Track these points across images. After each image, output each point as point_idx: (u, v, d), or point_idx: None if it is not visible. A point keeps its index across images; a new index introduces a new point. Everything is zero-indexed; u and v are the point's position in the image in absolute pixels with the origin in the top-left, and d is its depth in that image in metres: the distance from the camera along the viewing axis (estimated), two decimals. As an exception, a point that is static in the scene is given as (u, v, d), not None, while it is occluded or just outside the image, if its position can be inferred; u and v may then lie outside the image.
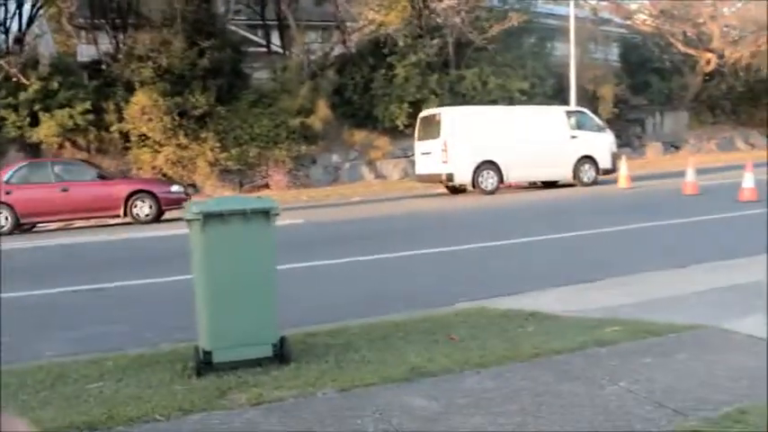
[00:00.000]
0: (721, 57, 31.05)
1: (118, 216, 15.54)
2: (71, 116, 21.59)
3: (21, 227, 15.22)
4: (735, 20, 32.77)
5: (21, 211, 14.95)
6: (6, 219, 14.92)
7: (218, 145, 22.68)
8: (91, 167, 17.13)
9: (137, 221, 15.26)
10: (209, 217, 4.13)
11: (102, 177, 16.11)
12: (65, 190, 15.25)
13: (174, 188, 16.24)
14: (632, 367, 4.25)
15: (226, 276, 4.21)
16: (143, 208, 15.42)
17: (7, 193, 14.90)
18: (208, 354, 4.17)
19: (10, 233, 14.69)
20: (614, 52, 34.27)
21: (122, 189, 15.68)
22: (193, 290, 4.39)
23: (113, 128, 22.44)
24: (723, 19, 32.36)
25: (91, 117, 21.98)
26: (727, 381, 4.00)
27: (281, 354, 4.32)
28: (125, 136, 22.65)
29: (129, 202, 15.44)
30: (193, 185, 21.49)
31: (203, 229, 4.13)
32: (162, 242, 11.87)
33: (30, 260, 10.90)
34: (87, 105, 21.83)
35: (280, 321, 4.40)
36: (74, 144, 22.22)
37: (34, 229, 15.85)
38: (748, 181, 13.19)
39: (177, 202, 15.06)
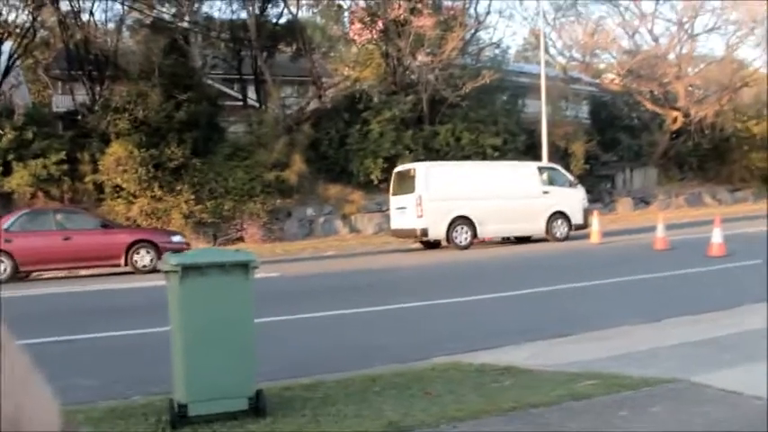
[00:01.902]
0: (687, 115, 31.95)
1: (118, 265, 15.37)
2: (45, 166, 21.48)
3: (18, 275, 14.99)
4: (699, 80, 33.85)
5: (20, 259, 14.73)
6: (5, 268, 14.69)
7: (192, 197, 22.64)
8: (93, 216, 17.02)
9: (137, 271, 15.08)
10: (187, 269, 4.14)
11: (104, 226, 16.02)
12: (67, 238, 15.09)
13: (176, 238, 16.14)
14: (608, 421, 4.27)
15: (203, 329, 4.19)
16: (144, 257, 15.26)
17: (7, 241, 14.69)
18: (183, 407, 4.12)
19: (7, 281, 14.45)
20: (584, 110, 35.12)
21: (124, 238, 15.56)
22: (170, 341, 4.35)
23: (87, 178, 22.33)
24: (688, 79, 33.42)
25: (65, 167, 21.88)
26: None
27: (258, 407, 4.28)
28: (99, 187, 22.54)
29: (131, 252, 15.31)
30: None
31: (182, 281, 4.13)
32: (153, 292, 11.75)
33: (11, 310, 10.67)
34: (62, 156, 21.75)
35: (256, 375, 4.37)
36: (47, 194, 22.03)
37: (28, 278, 15.59)
38: (717, 236, 13.46)
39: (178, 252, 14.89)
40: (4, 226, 15.13)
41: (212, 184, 23.20)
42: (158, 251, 14.96)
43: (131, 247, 15.33)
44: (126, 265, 15.31)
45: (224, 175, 23.32)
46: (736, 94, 34.01)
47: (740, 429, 4.12)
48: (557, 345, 6.43)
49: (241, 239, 22.82)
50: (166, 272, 4.25)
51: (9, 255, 14.69)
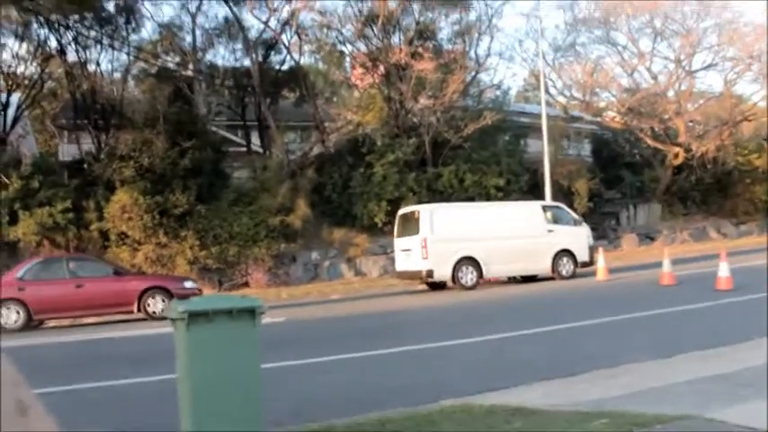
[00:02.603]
0: (688, 150, 32.07)
1: (131, 312, 15.36)
2: (51, 214, 21.60)
3: (31, 323, 15.00)
4: (698, 115, 34.06)
5: (34, 307, 14.80)
6: (18, 314, 14.74)
7: (197, 243, 22.68)
8: (105, 264, 17.10)
9: (150, 318, 15.04)
10: (194, 316, 4.13)
11: (117, 273, 16.06)
12: (79, 286, 15.14)
13: (188, 284, 16.14)
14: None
15: (210, 375, 4.17)
16: (156, 304, 15.24)
17: (20, 290, 14.79)
18: (191, 455, 4.08)
19: (21, 330, 14.48)
20: (586, 148, 35.31)
21: (137, 285, 15.58)
22: (177, 389, 4.33)
23: (93, 226, 22.42)
24: (687, 115, 33.63)
25: (71, 216, 21.99)
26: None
27: (266, 454, 4.23)
28: (104, 234, 22.61)
29: (143, 299, 15.31)
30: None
31: (189, 328, 4.12)
32: (164, 338, 11.72)
33: (24, 360, 10.62)
34: (67, 204, 21.89)
35: (264, 420, 4.33)
36: (52, 242, 22.11)
37: (41, 326, 15.61)
38: (723, 270, 13.40)
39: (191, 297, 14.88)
40: (18, 275, 15.24)
41: (217, 229, 23.26)
42: (171, 297, 14.94)
43: (144, 294, 15.35)
44: (139, 311, 15.30)
45: (229, 221, 23.39)
46: (736, 129, 34.19)
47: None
48: (567, 384, 6.37)
49: (246, 284, 22.79)
50: (173, 319, 4.25)
51: (23, 303, 14.76)
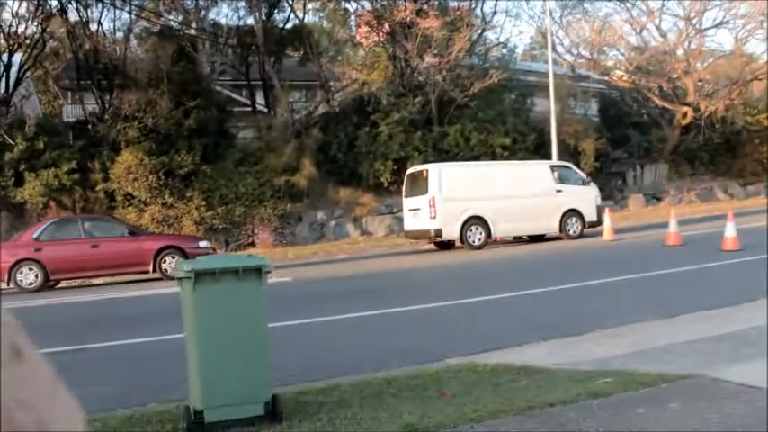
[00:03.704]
0: (697, 110, 31.76)
1: (147, 272, 15.44)
2: (56, 176, 21.62)
3: (48, 283, 15.13)
4: (708, 75, 33.66)
5: (51, 267, 14.90)
6: (36, 275, 14.87)
7: (203, 204, 22.72)
8: (120, 224, 17.19)
9: (165, 277, 15.11)
10: (201, 275, 4.14)
11: (132, 233, 16.11)
12: (95, 246, 15.22)
13: (203, 244, 16.20)
14: (626, 418, 4.25)
15: (217, 335, 4.20)
16: (172, 263, 15.27)
17: (37, 250, 14.87)
18: (199, 413, 4.13)
19: (38, 290, 14.61)
20: (593, 107, 35.00)
21: (152, 245, 15.66)
22: (185, 348, 4.36)
23: (99, 187, 22.45)
24: (697, 74, 33.22)
25: (76, 177, 22.01)
26: (721, 429, 4.01)
27: (274, 412, 4.28)
28: (110, 195, 22.66)
29: (159, 258, 15.40)
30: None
31: (195, 287, 4.14)
32: (176, 298, 11.81)
33: (38, 318, 10.75)
34: (73, 165, 21.89)
35: (271, 379, 4.37)
36: (59, 204, 22.17)
37: (57, 286, 15.74)
38: (730, 230, 13.37)
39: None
40: (34, 235, 15.31)
41: (223, 190, 23.27)
42: (186, 257, 14.99)
43: (159, 254, 15.41)
44: (154, 271, 15.38)
45: (234, 181, 23.39)
46: (745, 88, 33.80)
47: (758, 423, 4.09)
48: (572, 343, 6.40)
49: (252, 245, 22.88)
50: (180, 278, 4.26)
51: (40, 263, 14.85)
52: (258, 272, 4.27)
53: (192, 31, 27.73)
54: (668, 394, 4.67)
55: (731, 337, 6.37)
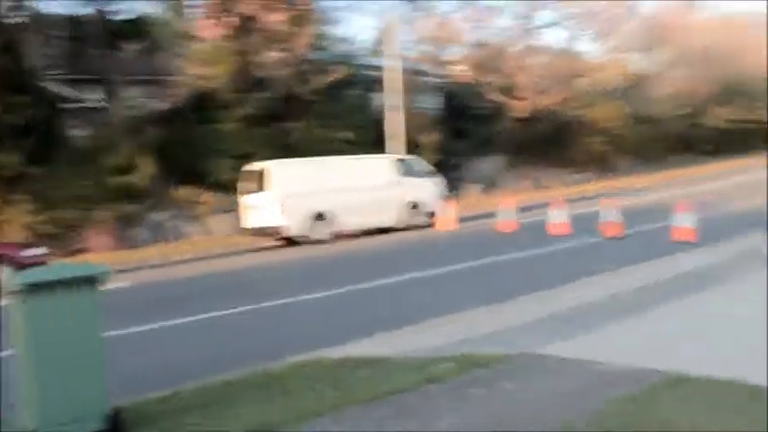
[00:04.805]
0: (531, 104, 33.76)
1: None
2: None
3: None
4: (541, 71, 35.84)
5: None
6: None
7: (32, 208, 21.14)
8: None
9: None
10: (32, 287, 3.86)
11: None
12: None
13: (33, 251, 14.75)
14: (464, 399, 4.42)
15: (51, 349, 3.93)
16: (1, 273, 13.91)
17: None
18: (31, 434, 3.84)
19: None
20: (436, 101, 36.14)
21: None
22: (16, 365, 4.05)
23: None
24: (531, 70, 35.28)
25: None
26: (552, 400, 4.27)
27: (115, 426, 4.08)
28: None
29: None
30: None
31: (26, 300, 3.85)
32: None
33: None
34: None
35: (111, 391, 4.15)
36: None
37: None
38: (557, 216, 14.26)
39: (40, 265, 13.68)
40: None
41: (54, 192, 21.76)
42: (16, 265, 13.73)
43: None
44: None
45: (66, 183, 21.94)
46: (574, 84, 36.36)
47: (581, 392, 4.39)
48: (411, 332, 6.58)
49: (87, 250, 21.58)
50: (9, 292, 3.95)
51: None
52: (93, 281, 4.05)
53: (21, 21, 25.68)
54: (502, 373, 4.91)
55: (558, 317, 6.81)
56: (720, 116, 41.57)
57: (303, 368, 5.30)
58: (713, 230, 12.07)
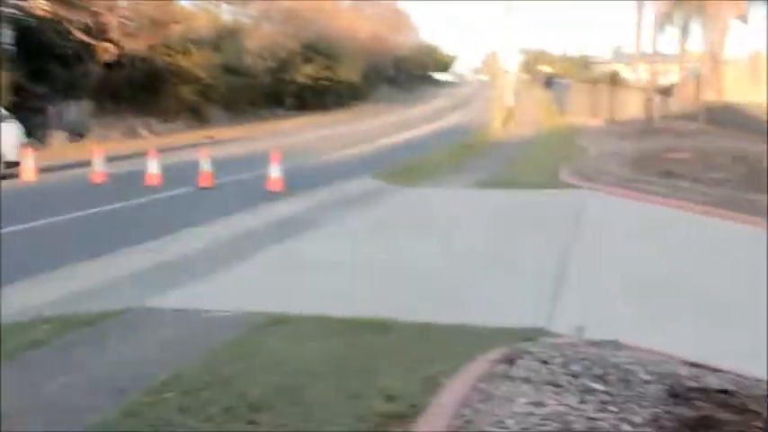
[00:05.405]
0: (120, 47, 32.11)
1: None
2: None
3: None
4: (131, 13, 34.21)
5: None
6: None
7: None
8: None
9: None
10: None
11: None
12: None
13: None
14: (73, 360, 4.28)
15: None
16: None
17: None
18: None
19: None
20: (8, 35, 32.15)
21: None
22: None
23: None
24: (120, 11, 33.43)
25: None
26: (161, 353, 4.39)
27: None
28: None
29: None
30: None
31: None
32: None
33: None
34: None
35: None
36: None
37: None
38: (150, 167, 14.06)
39: None
40: None
41: None
42: None
43: None
44: None
45: None
46: (167, 30, 35.57)
47: (188, 341, 4.62)
48: (8, 294, 5.96)
49: None
50: None
51: None
52: None
53: None
54: (110, 330, 4.85)
55: (164, 267, 6.88)
56: (305, 72, 44.99)
57: None
58: (304, 179, 13.27)
